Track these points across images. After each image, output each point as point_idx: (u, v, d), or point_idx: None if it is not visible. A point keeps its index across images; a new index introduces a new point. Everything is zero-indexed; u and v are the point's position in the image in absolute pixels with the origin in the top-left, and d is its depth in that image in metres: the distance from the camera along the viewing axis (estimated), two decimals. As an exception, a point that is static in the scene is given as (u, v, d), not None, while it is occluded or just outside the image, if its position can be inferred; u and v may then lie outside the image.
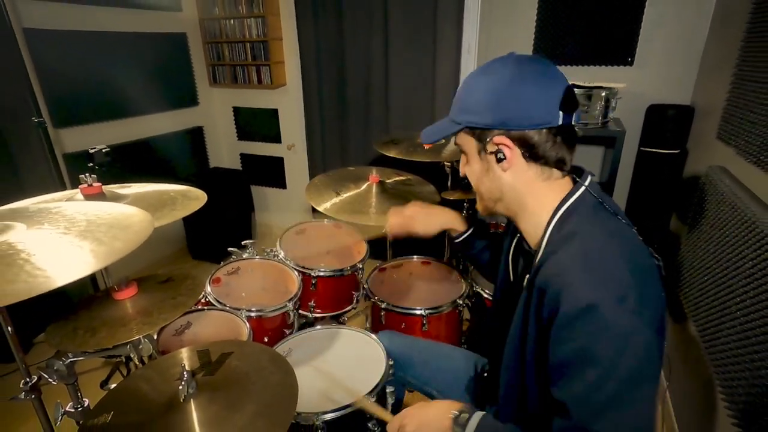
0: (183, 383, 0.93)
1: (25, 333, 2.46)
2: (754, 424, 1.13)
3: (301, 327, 1.72)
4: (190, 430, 0.89)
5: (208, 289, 1.63)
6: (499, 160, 0.89)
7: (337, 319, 1.94)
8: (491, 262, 1.35)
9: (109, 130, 2.99)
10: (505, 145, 0.87)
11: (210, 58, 3.65)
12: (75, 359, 1.21)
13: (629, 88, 2.37)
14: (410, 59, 2.99)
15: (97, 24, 2.83)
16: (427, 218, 1.37)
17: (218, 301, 1.58)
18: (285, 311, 1.62)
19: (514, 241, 1.06)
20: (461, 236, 1.36)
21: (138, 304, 1.27)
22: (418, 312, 1.64)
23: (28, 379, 1.24)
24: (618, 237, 0.82)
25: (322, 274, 1.80)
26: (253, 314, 1.55)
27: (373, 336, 1.46)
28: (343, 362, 1.39)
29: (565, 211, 0.87)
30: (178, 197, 1.43)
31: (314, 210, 1.88)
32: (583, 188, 0.88)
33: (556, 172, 0.90)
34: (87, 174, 1.39)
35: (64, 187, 2.36)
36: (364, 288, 1.81)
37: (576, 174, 0.93)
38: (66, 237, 0.94)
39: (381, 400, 1.25)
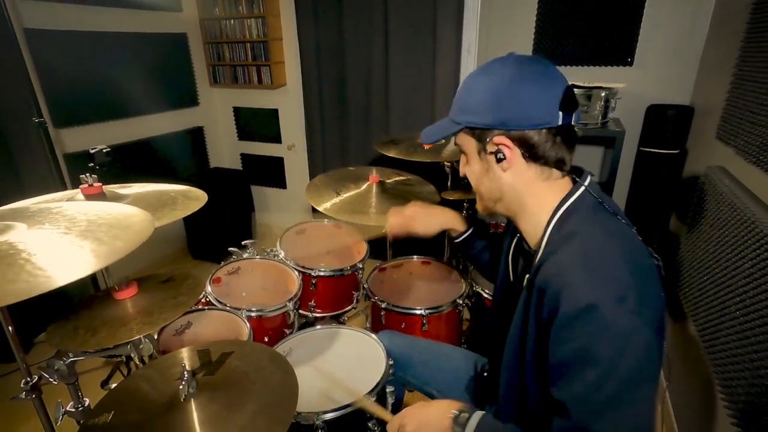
0: (183, 383, 0.94)
1: (26, 333, 2.47)
2: (754, 424, 1.14)
3: (302, 327, 1.72)
4: (190, 429, 0.89)
5: (209, 288, 1.63)
6: (499, 160, 0.89)
7: (337, 319, 1.94)
8: (491, 262, 1.35)
9: (110, 130, 2.99)
10: (504, 145, 0.87)
11: (210, 59, 3.65)
12: (75, 359, 1.21)
13: (629, 89, 2.37)
14: (410, 59, 2.99)
15: (97, 24, 2.83)
16: (427, 218, 1.37)
17: (218, 301, 1.58)
18: (285, 311, 1.63)
19: (514, 241, 1.06)
20: (461, 236, 1.37)
21: (138, 304, 1.27)
22: (418, 312, 1.64)
23: (28, 379, 1.24)
24: (618, 237, 0.82)
25: (322, 274, 1.80)
26: (253, 314, 1.55)
27: (373, 336, 1.46)
28: (343, 362, 1.39)
29: (564, 211, 0.87)
30: (178, 197, 1.43)
31: (314, 210, 1.88)
32: (582, 188, 0.88)
33: (556, 172, 0.90)
34: (87, 174, 1.39)
35: (64, 187, 2.36)
36: (364, 288, 1.81)
37: (575, 174, 0.93)
38: (67, 237, 0.94)
39: (381, 399, 1.25)
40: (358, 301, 1.94)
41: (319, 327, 1.58)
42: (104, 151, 1.92)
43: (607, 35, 2.55)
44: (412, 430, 1.01)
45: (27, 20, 2.45)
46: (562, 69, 0.89)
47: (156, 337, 1.37)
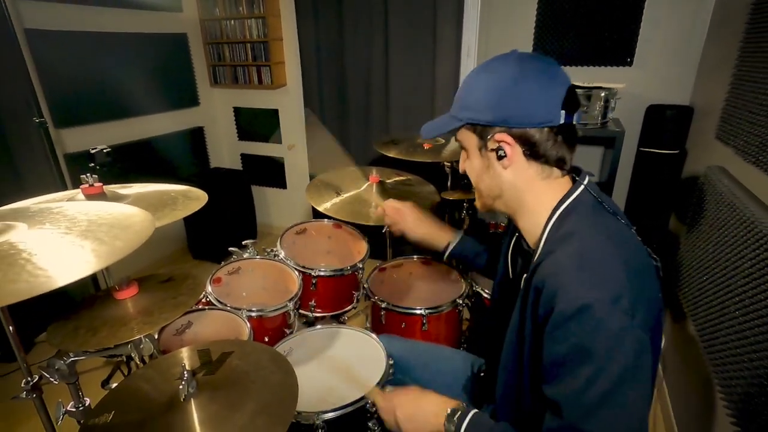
0: (183, 382, 0.94)
1: (27, 332, 2.47)
2: (753, 423, 1.14)
3: (302, 327, 1.72)
4: (190, 429, 0.89)
5: (209, 288, 1.63)
6: (499, 158, 0.89)
7: (338, 319, 1.94)
8: (489, 265, 1.39)
9: (110, 131, 2.99)
10: (506, 142, 0.87)
11: (211, 59, 3.66)
12: (76, 359, 1.21)
13: (628, 89, 2.37)
14: (410, 60, 2.99)
15: (98, 25, 2.84)
16: (417, 221, 1.45)
17: (219, 301, 1.58)
18: (285, 311, 1.63)
19: (513, 240, 1.06)
20: (444, 252, 1.44)
21: (139, 304, 1.28)
22: (418, 312, 1.64)
23: (29, 379, 1.24)
24: (616, 237, 0.82)
25: (322, 273, 1.80)
26: (253, 314, 1.55)
27: (374, 335, 1.47)
28: (343, 361, 1.40)
29: (563, 211, 0.87)
30: (178, 197, 1.43)
31: (314, 210, 1.88)
32: (582, 187, 0.88)
33: (556, 171, 0.90)
34: (88, 174, 1.39)
35: (65, 187, 2.36)
36: (364, 288, 1.81)
37: (575, 174, 0.93)
38: (67, 237, 0.94)
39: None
40: (358, 300, 1.94)
41: (319, 327, 1.58)
42: (105, 151, 1.93)
43: (606, 35, 2.55)
44: (404, 418, 1.02)
45: (27, 20, 2.45)
46: (561, 69, 0.89)
47: (156, 336, 1.37)
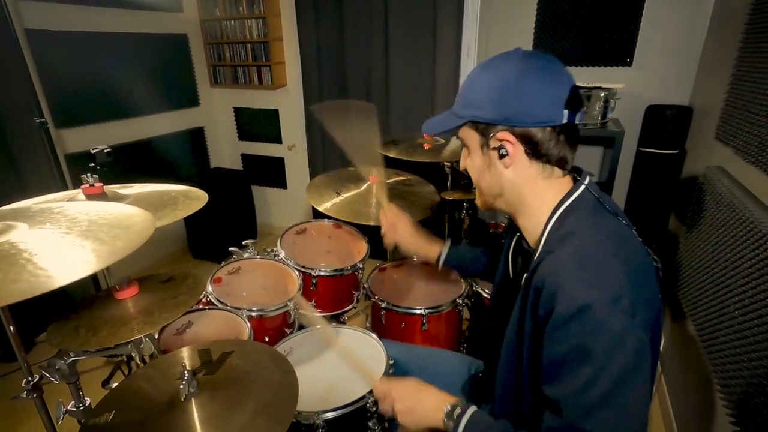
0: (184, 382, 0.94)
1: (27, 332, 2.47)
2: (752, 423, 1.14)
3: (302, 326, 1.72)
4: (191, 428, 0.90)
5: (209, 288, 1.63)
6: (501, 156, 0.89)
7: (338, 319, 1.94)
8: (485, 270, 1.42)
9: (111, 131, 3.00)
10: (508, 141, 0.87)
11: (211, 59, 3.66)
12: (76, 358, 1.21)
13: (628, 89, 2.37)
14: (410, 60, 3.00)
15: (98, 25, 2.84)
16: (410, 235, 1.49)
17: (219, 301, 1.58)
18: (286, 311, 1.63)
19: (514, 240, 1.06)
20: (438, 262, 1.48)
21: (139, 304, 1.28)
22: (418, 311, 1.65)
23: (30, 378, 1.24)
24: (616, 237, 0.82)
25: (322, 273, 1.80)
26: (253, 314, 1.55)
27: (374, 335, 1.47)
28: (343, 361, 1.40)
29: (564, 210, 0.87)
30: (179, 197, 1.43)
31: (315, 210, 1.88)
32: (582, 187, 0.88)
33: (558, 171, 0.90)
34: (89, 174, 1.39)
35: (65, 187, 2.36)
36: (364, 288, 1.81)
37: (576, 174, 0.93)
38: (68, 237, 0.94)
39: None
40: (358, 300, 1.94)
41: (319, 326, 1.59)
42: (105, 151, 1.93)
43: (606, 36, 2.55)
44: (402, 410, 1.02)
45: (28, 21, 2.46)
46: (561, 69, 0.89)
47: (157, 336, 1.37)
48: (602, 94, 2.23)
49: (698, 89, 2.39)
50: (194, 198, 1.44)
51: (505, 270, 1.11)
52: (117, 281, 1.30)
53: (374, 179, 1.96)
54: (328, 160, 3.57)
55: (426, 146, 2.38)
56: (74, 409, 1.28)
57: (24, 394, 1.24)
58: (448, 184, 2.44)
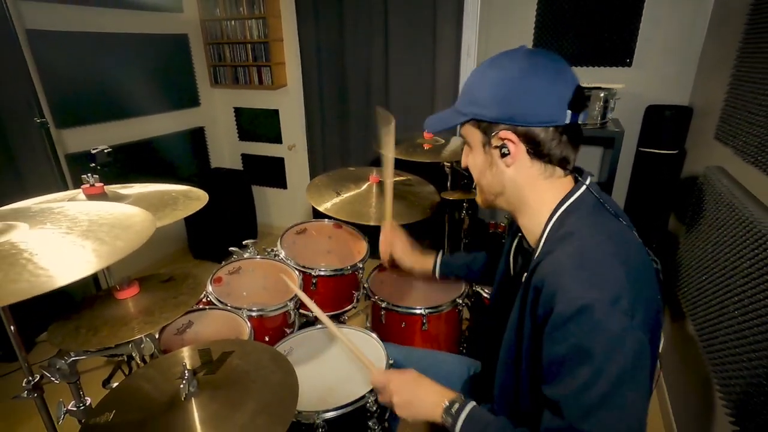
0: (184, 382, 0.94)
1: (28, 332, 2.48)
2: (752, 422, 1.14)
3: (302, 326, 1.72)
4: (191, 428, 0.90)
5: (210, 288, 1.63)
6: (503, 155, 0.88)
7: (338, 319, 1.94)
8: (482, 275, 1.47)
9: (111, 131, 3.00)
10: (510, 140, 0.86)
11: (211, 59, 3.66)
12: (77, 358, 1.22)
13: (628, 89, 2.38)
14: (410, 60, 3.00)
15: (99, 25, 2.84)
16: (406, 252, 1.56)
17: (219, 301, 1.58)
18: (286, 310, 1.63)
19: (515, 240, 1.06)
20: (434, 272, 1.55)
21: (140, 304, 1.28)
22: (418, 311, 1.65)
23: (30, 378, 1.24)
24: (616, 238, 0.82)
25: (322, 273, 1.80)
26: (254, 313, 1.56)
27: (374, 335, 1.47)
28: (343, 361, 1.40)
29: (564, 210, 0.87)
30: (179, 197, 1.43)
31: (315, 210, 1.88)
32: (584, 188, 0.88)
33: (559, 171, 0.89)
34: (89, 174, 1.39)
35: (66, 188, 2.37)
36: (364, 287, 1.82)
37: (577, 174, 0.93)
38: (68, 237, 0.94)
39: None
40: (358, 300, 1.94)
41: (319, 326, 1.59)
42: (106, 151, 1.93)
43: (606, 36, 2.55)
44: (400, 403, 1.02)
45: (29, 21, 2.46)
46: (560, 69, 0.88)
47: (157, 336, 1.38)
48: (602, 94, 2.24)
49: (698, 89, 2.39)
50: (194, 198, 1.45)
51: (505, 269, 1.11)
52: (117, 281, 1.31)
53: (374, 179, 1.97)
54: (328, 160, 3.58)
55: (426, 146, 2.38)
56: (75, 408, 1.28)
57: (25, 394, 1.24)
58: (448, 184, 2.44)
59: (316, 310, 1.25)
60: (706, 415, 1.51)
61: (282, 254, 1.85)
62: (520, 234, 1.02)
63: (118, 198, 1.39)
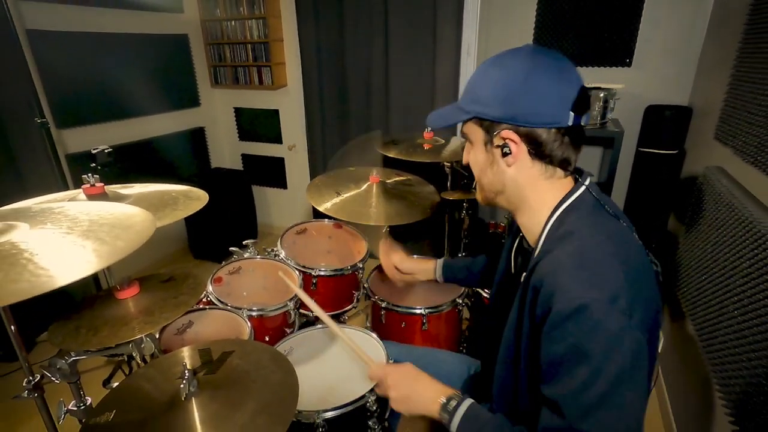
0: (184, 382, 0.94)
1: (28, 332, 2.48)
2: (751, 422, 1.14)
3: (302, 326, 1.73)
4: (191, 428, 0.90)
5: (210, 288, 1.63)
6: (504, 155, 0.88)
7: (338, 319, 1.95)
8: (482, 278, 1.46)
9: (112, 131, 3.00)
10: (512, 140, 0.86)
11: (211, 59, 3.66)
12: (77, 358, 1.22)
13: (627, 89, 2.38)
14: (410, 60, 3.00)
15: (99, 25, 2.85)
16: (404, 259, 1.59)
17: (219, 301, 1.59)
18: (286, 310, 1.63)
19: (516, 240, 1.07)
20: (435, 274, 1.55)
21: (140, 304, 1.28)
22: (417, 311, 1.65)
23: (31, 378, 1.24)
24: (616, 238, 0.82)
25: (322, 273, 1.81)
26: (254, 313, 1.56)
27: (374, 335, 1.47)
28: (343, 360, 1.40)
29: (564, 210, 0.87)
30: (179, 197, 1.43)
31: (315, 210, 1.88)
32: (583, 188, 0.88)
33: (560, 172, 0.89)
34: (89, 174, 1.39)
35: (66, 188, 2.37)
36: (364, 287, 1.82)
37: (577, 174, 0.93)
38: (69, 237, 0.94)
39: (379, 397, 1.26)
40: (358, 300, 1.94)
41: (319, 326, 1.59)
42: (106, 151, 1.93)
43: (606, 36, 2.56)
44: (397, 398, 1.02)
45: (29, 21, 2.46)
46: (560, 70, 0.88)
47: (157, 336, 1.38)
48: (602, 95, 2.24)
49: (697, 89, 2.39)
50: (195, 198, 1.45)
51: (505, 269, 1.11)
52: (118, 281, 1.31)
53: (374, 179, 1.97)
54: (329, 161, 3.58)
55: (426, 146, 2.38)
56: (75, 408, 1.28)
57: (25, 394, 1.24)
58: (448, 184, 2.44)
59: (314, 308, 1.26)
60: (706, 414, 1.51)
61: (282, 254, 1.86)
62: (520, 234, 1.02)
63: (119, 198, 1.39)
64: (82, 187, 1.38)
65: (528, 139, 0.86)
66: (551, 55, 0.86)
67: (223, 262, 1.81)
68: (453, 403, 0.93)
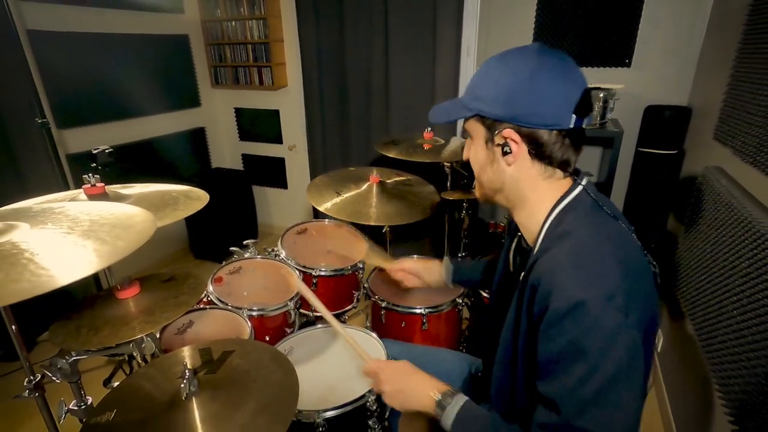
0: (185, 381, 0.94)
1: (29, 331, 2.48)
2: (751, 422, 1.14)
3: (302, 326, 1.73)
4: (191, 427, 0.90)
5: (210, 288, 1.64)
6: (504, 153, 0.88)
7: (338, 319, 1.94)
8: (483, 280, 1.46)
9: (112, 131, 3.01)
10: (513, 140, 0.86)
11: (212, 60, 3.67)
12: (78, 358, 1.22)
13: (627, 89, 2.38)
14: (410, 60, 3.00)
15: (100, 26, 2.85)
16: (414, 260, 1.59)
17: (220, 300, 1.59)
18: (286, 310, 1.63)
19: (515, 240, 1.07)
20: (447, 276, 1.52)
21: (141, 303, 1.28)
22: (418, 311, 1.65)
23: (31, 378, 1.25)
24: (614, 239, 0.82)
25: (322, 273, 1.81)
26: (254, 313, 1.56)
27: (374, 335, 1.47)
28: (343, 360, 1.40)
29: (562, 209, 0.87)
30: (180, 197, 1.44)
31: (315, 210, 1.88)
32: (580, 187, 0.88)
33: (559, 173, 0.90)
34: (90, 174, 1.39)
35: (67, 188, 2.37)
36: (364, 287, 1.82)
37: (575, 175, 0.93)
38: (69, 237, 0.94)
39: (379, 397, 1.26)
40: (358, 300, 1.94)
41: (320, 326, 1.59)
42: (107, 151, 1.93)
43: (605, 36, 2.56)
44: (390, 393, 1.03)
45: (30, 22, 2.46)
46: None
47: (158, 336, 1.38)
48: (601, 95, 2.24)
49: (697, 90, 2.39)
50: (195, 198, 1.45)
51: (504, 268, 1.11)
52: (118, 281, 1.31)
53: (375, 179, 1.97)
54: (329, 161, 3.58)
55: (426, 146, 2.39)
56: (76, 408, 1.29)
57: (26, 393, 1.24)
58: (448, 184, 2.44)
59: (316, 303, 1.26)
60: (705, 414, 1.51)
61: (282, 254, 1.86)
62: (519, 233, 1.02)
63: (119, 198, 1.40)
64: (83, 187, 1.38)
65: (529, 140, 0.86)
66: (557, 55, 0.86)
67: (224, 262, 1.82)
68: (448, 399, 0.94)
